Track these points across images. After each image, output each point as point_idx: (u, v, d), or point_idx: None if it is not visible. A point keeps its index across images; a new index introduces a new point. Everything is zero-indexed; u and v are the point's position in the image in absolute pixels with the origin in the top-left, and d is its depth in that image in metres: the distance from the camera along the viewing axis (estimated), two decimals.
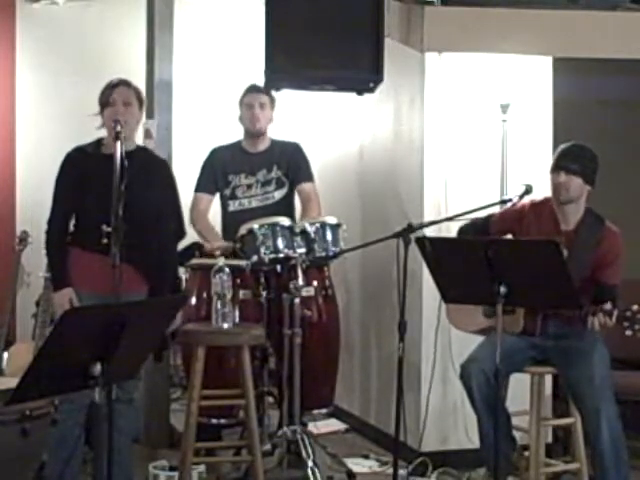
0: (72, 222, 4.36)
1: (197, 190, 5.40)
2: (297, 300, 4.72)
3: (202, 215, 5.36)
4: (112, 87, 4.29)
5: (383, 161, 5.68)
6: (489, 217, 4.61)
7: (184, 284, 5.30)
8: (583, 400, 4.25)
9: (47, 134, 6.70)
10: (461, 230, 4.65)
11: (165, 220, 4.40)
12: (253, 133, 5.35)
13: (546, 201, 4.47)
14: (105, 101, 4.28)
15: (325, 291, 5.06)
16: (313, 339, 4.91)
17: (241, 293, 4.89)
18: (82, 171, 4.29)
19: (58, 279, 4.34)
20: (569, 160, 4.33)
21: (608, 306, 4.07)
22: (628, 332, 3.98)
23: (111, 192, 3.98)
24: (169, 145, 5.56)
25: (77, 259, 4.31)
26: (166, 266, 4.45)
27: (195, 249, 5.70)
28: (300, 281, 4.70)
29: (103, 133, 4.35)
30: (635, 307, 3.98)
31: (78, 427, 4.22)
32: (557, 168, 4.35)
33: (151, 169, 4.36)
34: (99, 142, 4.38)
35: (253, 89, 5.32)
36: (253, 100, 5.31)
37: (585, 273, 4.26)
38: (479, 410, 4.32)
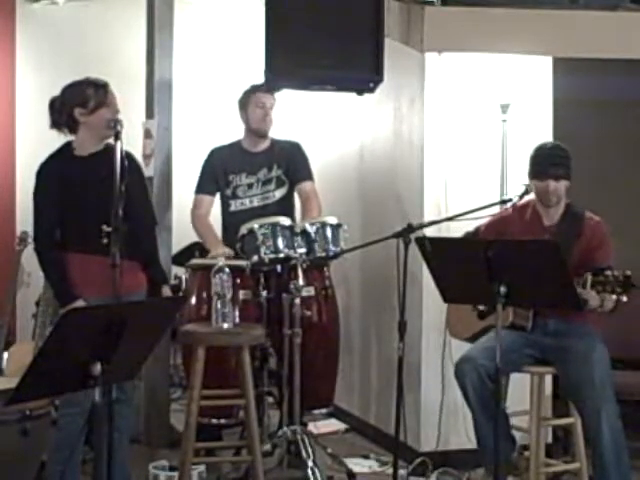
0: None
1: (198, 192, 5.38)
2: (297, 300, 4.71)
3: (203, 218, 5.34)
4: (105, 87, 4.28)
5: (383, 161, 5.68)
6: (478, 227, 4.63)
7: (184, 284, 5.30)
8: (583, 400, 4.24)
9: (47, 134, 6.66)
10: None
11: (143, 211, 4.39)
12: (261, 133, 5.32)
13: (529, 203, 4.52)
14: (100, 101, 4.25)
15: (325, 291, 5.06)
16: (313, 339, 4.91)
17: (241, 293, 4.89)
18: (63, 178, 4.23)
19: (65, 293, 4.19)
20: (555, 166, 4.34)
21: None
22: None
23: (101, 192, 4.00)
24: (169, 145, 5.56)
25: (77, 264, 4.23)
26: (156, 254, 4.49)
27: (195, 249, 5.72)
28: (300, 281, 4.70)
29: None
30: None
31: (80, 429, 4.20)
32: (545, 176, 4.35)
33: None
34: (69, 145, 4.34)
35: (263, 89, 5.18)
36: (265, 100, 5.27)
37: (571, 264, 4.23)
38: (474, 409, 4.32)
